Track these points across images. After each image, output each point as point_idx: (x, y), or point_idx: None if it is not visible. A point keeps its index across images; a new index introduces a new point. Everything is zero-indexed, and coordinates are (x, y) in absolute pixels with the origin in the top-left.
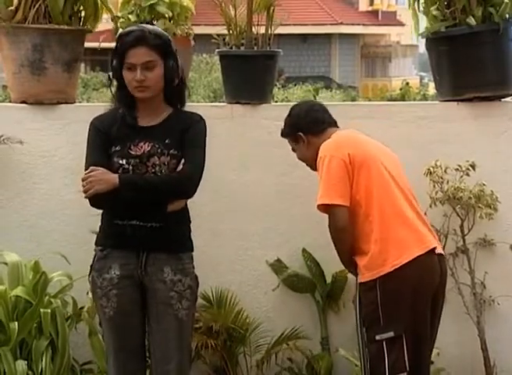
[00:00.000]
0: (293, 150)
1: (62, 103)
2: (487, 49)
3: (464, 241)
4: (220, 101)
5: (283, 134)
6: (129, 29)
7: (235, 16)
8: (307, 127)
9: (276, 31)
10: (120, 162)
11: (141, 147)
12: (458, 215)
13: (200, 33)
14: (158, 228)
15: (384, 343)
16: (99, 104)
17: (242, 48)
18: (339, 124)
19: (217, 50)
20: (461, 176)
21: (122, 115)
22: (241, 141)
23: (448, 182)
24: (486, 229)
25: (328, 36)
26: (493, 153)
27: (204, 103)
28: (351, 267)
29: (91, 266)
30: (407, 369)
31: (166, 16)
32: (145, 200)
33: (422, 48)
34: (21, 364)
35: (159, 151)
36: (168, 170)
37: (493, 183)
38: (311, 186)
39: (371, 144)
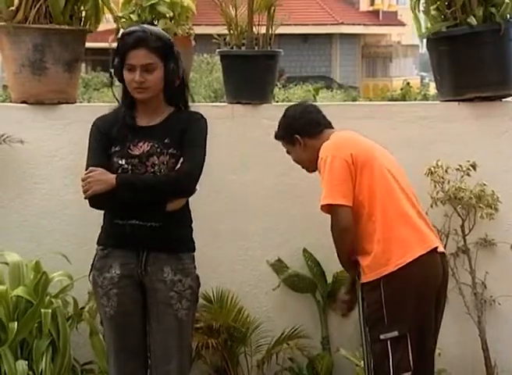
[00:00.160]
0: (288, 152)
1: (62, 103)
2: (488, 49)
3: (464, 241)
4: (221, 101)
5: (278, 137)
6: (131, 29)
7: (236, 16)
8: (303, 129)
9: (277, 31)
10: (120, 162)
11: (140, 147)
12: (459, 215)
13: (201, 33)
14: (157, 228)
15: (388, 342)
16: (100, 104)
17: (243, 48)
18: (340, 124)
19: (218, 50)
20: (462, 176)
21: (124, 115)
22: (242, 141)
23: (449, 182)
24: (487, 229)
25: (329, 36)
26: (494, 153)
27: (204, 103)
28: (350, 268)
29: (92, 265)
30: (412, 368)
31: (167, 15)
32: (143, 200)
33: (423, 48)
34: (21, 364)
35: (158, 150)
36: (167, 170)
37: (494, 183)
38: (312, 186)
39: (370, 144)
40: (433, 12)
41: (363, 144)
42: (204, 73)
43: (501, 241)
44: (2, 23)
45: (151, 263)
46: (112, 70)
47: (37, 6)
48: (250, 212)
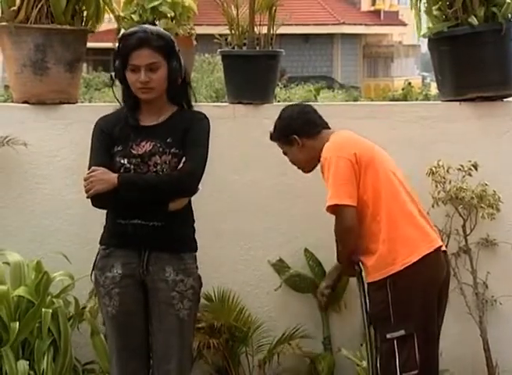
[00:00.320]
0: (285, 153)
1: (64, 103)
2: (489, 49)
3: (466, 241)
4: (222, 101)
5: (274, 138)
6: (131, 30)
7: (237, 15)
8: (301, 130)
9: (278, 31)
10: (122, 161)
11: (143, 146)
12: (460, 215)
13: (202, 33)
14: (160, 227)
15: (395, 341)
16: (101, 104)
17: (244, 48)
18: (341, 124)
19: (219, 50)
20: (463, 176)
21: (126, 115)
22: (243, 141)
23: (450, 182)
24: (488, 229)
25: (331, 36)
26: (495, 153)
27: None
28: (348, 268)
29: (94, 265)
30: (418, 367)
31: (168, 15)
32: (145, 199)
33: (424, 48)
34: (23, 364)
35: (160, 150)
36: (169, 169)
37: (495, 183)
38: (313, 186)
39: (371, 145)
40: (435, 12)
41: (365, 144)
42: (206, 73)
43: (502, 240)
44: (4, 23)
45: (153, 263)
46: (113, 73)
47: (39, 6)
48: (252, 212)
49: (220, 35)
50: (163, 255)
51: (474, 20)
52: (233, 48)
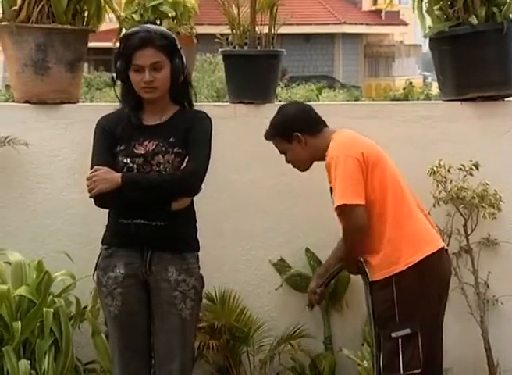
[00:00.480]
0: (282, 152)
1: (65, 103)
2: (490, 49)
3: (467, 240)
4: (223, 101)
5: (272, 136)
6: (133, 30)
7: (238, 15)
8: (305, 127)
9: (279, 31)
10: (125, 161)
11: (146, 145)
12: (461, 214)
13: (203, 33)
14: (162, 227)
15: (400, 340)
16: (102, 104)
17: (245, 48)
18: (343, 124)
19: (220, 49)
20: (465, 176)
21: (128, 114)
22: (244, 141)
23: (451, 182)
24: (490, 228)
25: (332, 35)
26: (497, 153)
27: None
28: (355, 267)
29: (96, 265)
30: (422, 365)
31: (170, 15)
32: (148, 199)
33: (425, 48)
34: (24, 363)
35: (163, 149)
36: (172, 169)
37: (497, 183)
38: (315, 185)
39: (375, 144)
40: (436, 12)
41: (370, 143)
42: (207, 73)
43: (504, 240)
44: (5, 23)
45: (156, 263)
46: (115, 74)
47: (40, 6)
48: (253, 211)
49: (221, 35)
50: (166, 254)
51: (474, 20)
52: (234, 47)
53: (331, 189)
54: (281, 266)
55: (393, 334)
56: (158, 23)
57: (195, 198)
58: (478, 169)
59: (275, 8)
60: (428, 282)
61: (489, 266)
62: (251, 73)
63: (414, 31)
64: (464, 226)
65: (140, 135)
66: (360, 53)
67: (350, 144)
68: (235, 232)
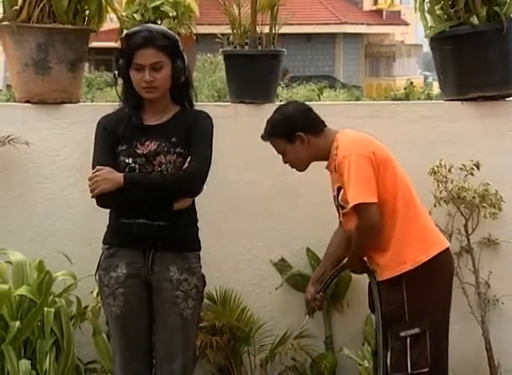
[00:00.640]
0: (281, 152)
1: (66, 103)
2: (491, 48)
3: (468, 240)
4: (224, 101)
5: (271, 135)
6: (135, 29)
7: (239, 15)
8: (308, 127)
9: (280, 31)
10: (126, 161)
11: (147, 145)
12: (462, 214)
13: (204, 33)
14: (164, 227)
15: (408, 339)
16: (103, 103)
17: (246, 48)
18: (344, 124)
19: (221, 49)
20: (465, 176)
21: (129, 114)
22: (245, 141)
23: (452, 181)
24: (490, 228)
25: (333, 35)
26: (498, 152)
27: (208, 102)
28: (360, 266)
29: (98, 265)
30: (429, 364)
31: (170, 15)
32: (150, 199)
33: (426, 48)
34: (24, 363)
35: (165, 149)
36: (174, 169)
37: (497, 183)
38: (315, 185)
39: (382, 144)
40: (437, 12)
41: (378, 143)
42: (208, 73)
43: (504, 240)
44: (6, 23)
45: (158, 262)
46: (117, 72)
47: (41, 6)
48: (254, 211)
49: (222, 35)
50: (167, 254)
51: (474, 20)
52: (235, 47)
53: (338, 188)
54: (282, 265)
55: (402, 333)
56: (159, 22)
57: (196, 198)
58: (478, 168)
59: (276, 8)
60: (437, 281)
61: (490, 265)
62: (252, 73)
63: (414, 31)
64: (465, 225)
65: (142, 135)
66: (361, 53)
67: (360, 143)
68: (236, 232)
